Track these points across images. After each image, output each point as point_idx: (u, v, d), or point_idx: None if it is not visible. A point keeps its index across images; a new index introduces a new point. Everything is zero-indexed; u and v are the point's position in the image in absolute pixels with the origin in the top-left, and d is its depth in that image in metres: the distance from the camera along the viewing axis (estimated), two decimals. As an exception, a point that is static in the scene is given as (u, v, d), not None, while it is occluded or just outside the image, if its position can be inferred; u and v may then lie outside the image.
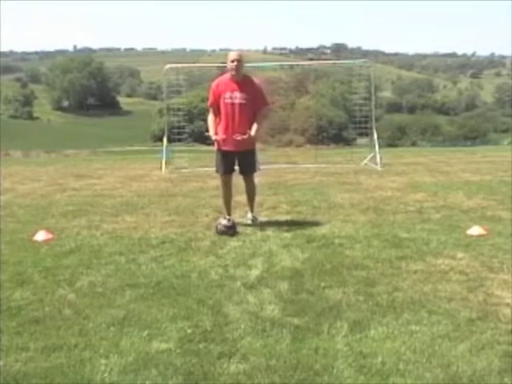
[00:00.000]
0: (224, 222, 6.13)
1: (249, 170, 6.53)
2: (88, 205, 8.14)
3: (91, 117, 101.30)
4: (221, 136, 6.30)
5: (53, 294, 4.29)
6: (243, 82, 6.27)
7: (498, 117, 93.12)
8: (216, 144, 6.39)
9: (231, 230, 6.06)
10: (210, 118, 6.46)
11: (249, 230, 6.33)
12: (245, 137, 6.16)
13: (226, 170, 6.47)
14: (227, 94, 6.23)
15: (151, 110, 79.85)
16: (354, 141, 38.77)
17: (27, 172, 13.32)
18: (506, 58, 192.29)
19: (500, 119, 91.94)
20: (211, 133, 6.35)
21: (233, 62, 6.16)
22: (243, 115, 6.23)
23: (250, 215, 6.64)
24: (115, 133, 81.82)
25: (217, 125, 6.39)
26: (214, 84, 6.42)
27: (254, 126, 6.26)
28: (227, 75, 6.31)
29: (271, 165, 12.74)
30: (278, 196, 8.54)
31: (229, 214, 6.48)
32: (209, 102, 6.50)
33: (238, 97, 6.21)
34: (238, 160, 6.44)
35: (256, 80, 6.48)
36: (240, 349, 3.31)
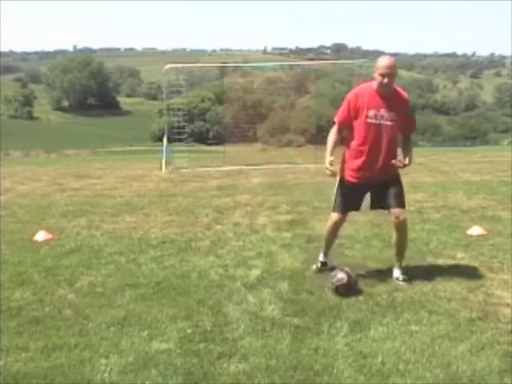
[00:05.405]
0: (341, 274, 4.32)
1: (400, 202, 4.76)
2: (88, 205, 8.15)
3: (91, 117, 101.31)
4: (351, 170, 4.71)
5: (53, 294, 4.29)
6: (392, 96, 4.60)
7: (498, 117, 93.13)
8: (340, 172, 4.75)
9: (356, 285, 4.37)
10: (332, 135, 4.70)
11: (248, 230, 6.34)
12: (400, 164, 4.59)
13: (349, 208, 4.84)
14: (371, 112, 4.55)
15: (151, 110, 79.91)
16: (353, 141, 38.71)
17: (27, 172, 13.33)
18: (506, 58, 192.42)
19: (500, 119, 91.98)
20: (327, 154, 4.61)
21: (384, 74, 4.44)
22: (390, 141, 4.61)
23: (397, 273, 4.68)
24: (115, 133, 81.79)
25: (344, 148, 4.81)
26: (351, 95, 4.65)
27: (408, 156, 4.64)
28: (370, 85, 4.62)
29: (271, 165, 12.74)
30: (277, 196, 8.52)
31: (325, 253, 5.01)
32: (338, 118, 4.70)
33: (384, 116, 4.56)
34: (379, 191, 4.74)
35: (404, 93, 4.74)
36: (240, 349, 3.31)
